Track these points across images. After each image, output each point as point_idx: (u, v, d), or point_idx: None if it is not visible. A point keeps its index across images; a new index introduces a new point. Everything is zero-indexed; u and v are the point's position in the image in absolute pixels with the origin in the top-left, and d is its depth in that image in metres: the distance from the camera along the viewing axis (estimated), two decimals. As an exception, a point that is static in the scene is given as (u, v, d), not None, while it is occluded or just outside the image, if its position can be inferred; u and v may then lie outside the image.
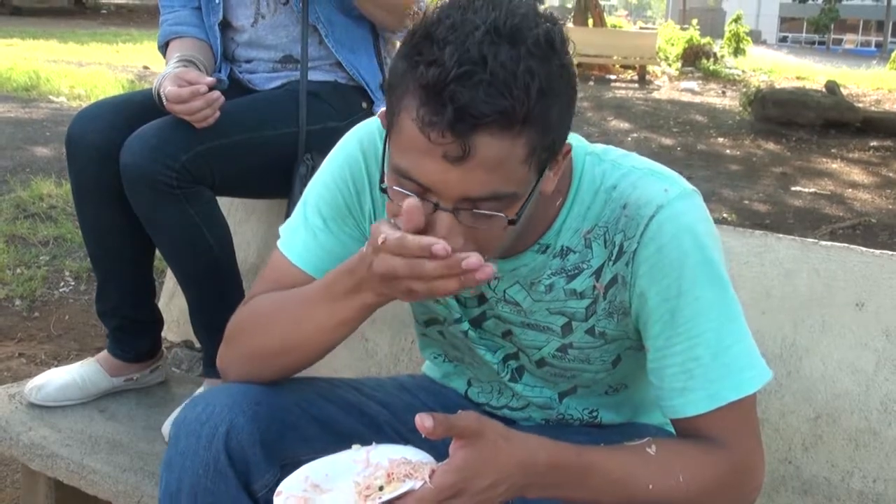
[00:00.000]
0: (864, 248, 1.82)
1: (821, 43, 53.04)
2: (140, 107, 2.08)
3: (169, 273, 2.67)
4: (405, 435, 1.44)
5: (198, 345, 2.41)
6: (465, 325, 1.44)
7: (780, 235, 1.89)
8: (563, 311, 1.35)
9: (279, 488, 1.17)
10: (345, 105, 2.20)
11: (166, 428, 2.01)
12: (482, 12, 1.07)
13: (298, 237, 1.42)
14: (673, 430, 1.36)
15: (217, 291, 2.10)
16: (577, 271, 1.33)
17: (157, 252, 2.15)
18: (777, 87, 14.99)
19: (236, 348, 1.40)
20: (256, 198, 2.43)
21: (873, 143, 11.20)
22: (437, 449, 1.45)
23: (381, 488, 1.13)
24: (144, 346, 2.24)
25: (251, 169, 2.11)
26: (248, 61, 2.27)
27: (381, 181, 1.18)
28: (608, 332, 1.36)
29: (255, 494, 1.28)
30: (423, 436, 1.08)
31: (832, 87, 12.97)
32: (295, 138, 2.12)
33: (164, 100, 1.96)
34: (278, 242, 1.44)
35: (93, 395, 2.18)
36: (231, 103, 2.07)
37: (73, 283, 4.28)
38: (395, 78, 1.12)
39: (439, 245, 1.06)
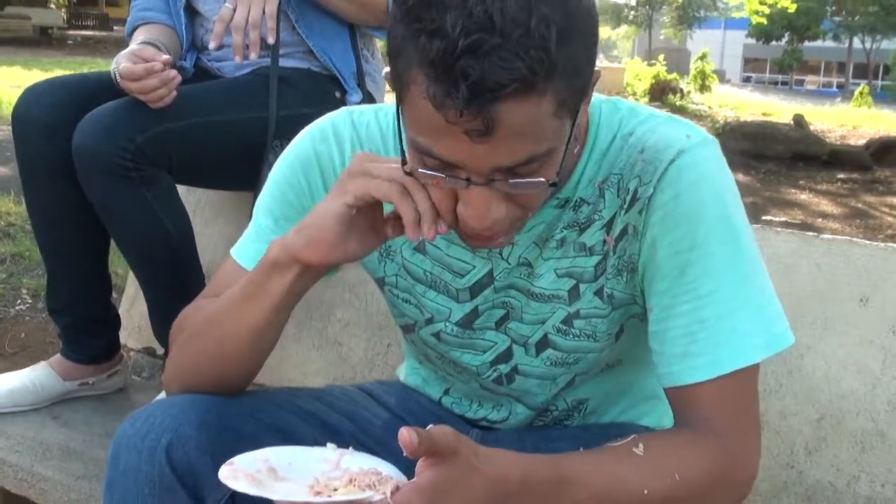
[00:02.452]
0: (867, 241, 1.73)
1: (784, 83, 53.70)
2: (94, 87, 1.96)
3: (130, 278, 2.54)
4: (368, 445, 1.32)
5: (160, 351, 2.28)
6: (447, 327, 1.32)
7: (779, 229, 1.80)
8: (570, 273, 1.23)
9: (232, 459, 1.03)
10: (316, 92, 2.09)
11: None
12: None
13: (249, 241, 1.31)
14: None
15: (175, 283, 1.97)
16: (588, 223, 1.21)
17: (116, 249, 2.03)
18: (745, 120, 15.11)
19: (176, 358, 1.29)
20: (220, 188, 2.30)
21: (840, 176, 11.28)
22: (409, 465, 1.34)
23: (335, 490, 1.01)
24: (99, 347, 2.10)
25: (213, 154, 1.98)
26: (218, 48, 2.15)
27: (403, 162, 1.05)
28: (616, 294, 1.24)
29: None
30: (406, 454, 0.94)
31: (799, 121, 13.08)
32: (262, 124, 2.00)
33: (118, 77, 1.85)
34: (231, 250, 1.33)
35: (45, 401, 2.04)
36: (195, 86, 1.97)
37: (30, 301, 4.17)
38: (396, 44, 1.00)
39: None
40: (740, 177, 11.16)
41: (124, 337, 2.30)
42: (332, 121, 1.30)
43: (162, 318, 2.02)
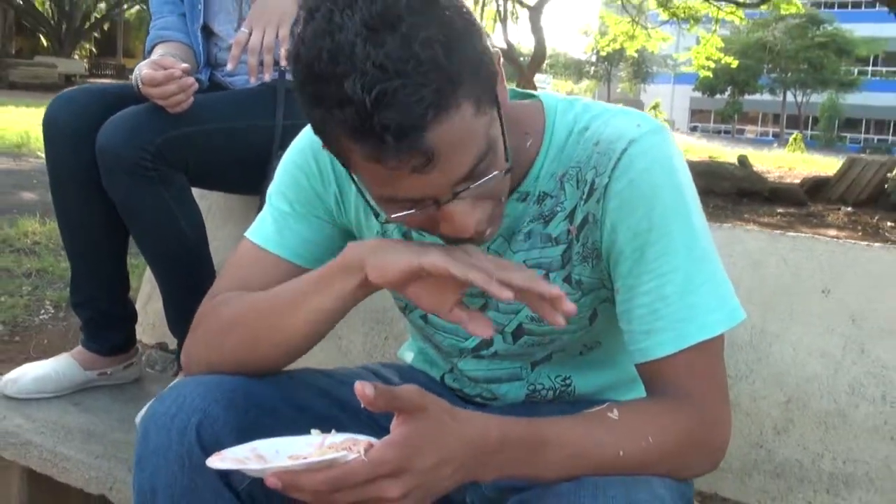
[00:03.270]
0: (828, 238, 1.69)
1: (727, 132, 54.07)
2: (117, 96, 1.90)
3: (146, 277, 2.47)
4: (379, 420, 1.26)
5: (172, 346, 2.20)
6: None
7: (749, 228, 1.76)
8: (539, 263, 1.18)
9: (221, 451, 0.95)
10: None
11: (139, 419, 1.80)
12: (349, 23, 0.88)
13: (267, 224, 1.25)
14: None
15: (190, 279, 1.90)
16: (552, 215, 1.16)
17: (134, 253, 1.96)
18: (695, 160, 15.19)
19: (206, 341, 1.21)
20: (231, 191, 2.24)
21: (780, 210, 11.32)
22: None
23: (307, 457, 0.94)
24: (117, 339, 2.02)
25: (225, 159, 1.92)
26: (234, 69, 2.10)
27: (377, 216, 1.04)
28: (584, 279, 1.18)
29: (236, 488, 1.08)
30: (363, 405, 0.88)
31: (743, 161, 13.13)
32: (270, 132, 1.94)
33: (139, 83, 1.79)
34: (246, 233, 1.27)
35: (67, 389, 1.96)
36: (209, 95, 1.92)
37: (52, 311, 4.10)
38: (316, 125, 0.96)
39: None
40: (691, 210, 11.20)
41: (139, 333, 2.21)
42: None
43: (176, 313, 1.95)
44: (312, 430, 1.03)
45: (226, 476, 1.06)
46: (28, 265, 4.62)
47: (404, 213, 0.98)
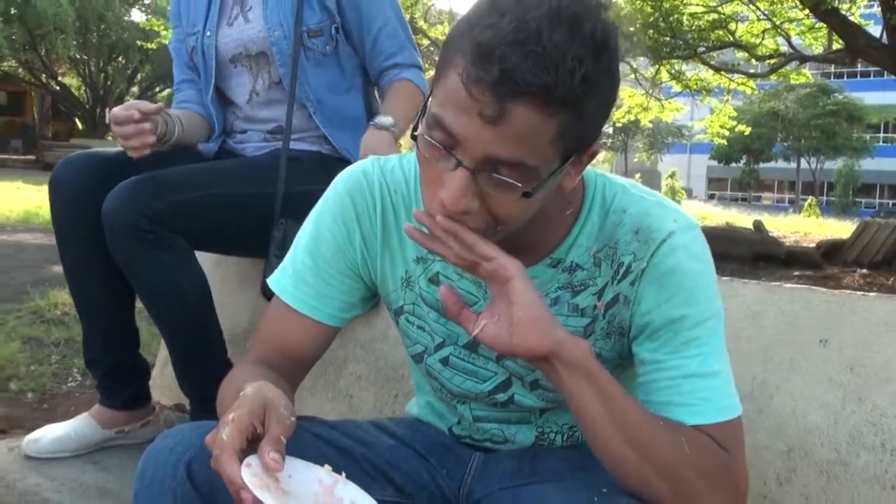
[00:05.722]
0: (824, 289, 1.69)
1: (743, 199, 54.10)
2: (117, 159, 1.97)
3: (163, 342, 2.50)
4: (378, 465, 1.28)
5: (189, 407, 2.21)
6: (455, 350, 1.28)
7: (746, 280, 1.76)
8: None
9: (248, 460, 0.96)
10: (325, 173, 2.07)
11: None
12: (535, 8, 0.96)
13: (287, 277, 1.30)
14: None
15: (194, 340, 1.94)
16: (582, 287, 1.20)
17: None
18: (712, 226, 15.19)
19: (219, 408, 1.25)
20: (235, 254, 2.29)
21: (796, 273, 11.24)
22: (408, 493, 1.27)
23: None
24: (131, 392, 2.06)
25: (226, 224, 1.97)
26: (243, 132, 2.17)
27: (414, 130, 1.06)
28: (603, 353, 1.22)
29: None
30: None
31: (759, 226, 13.12)
32: (272, 199, 1.98)
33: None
34: (267, 279, 1.32)
35: (86, 448, 1.98)
36: (214, 162, 1.98)
37: (79, 379, 4.13)
38: (452, 36, 1.01)
39: None
40: (708, 275, 11.14)
41: (157, 394, 2.24)
42: (363, 168, 1.30)
43: (183, 372, 1.98)
44: (325, 465, 1.05)
45: None
46: (57, 335, 4.68)
47: (434, 142, 1.01)
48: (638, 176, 24.73)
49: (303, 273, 1.29)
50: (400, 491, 1.28)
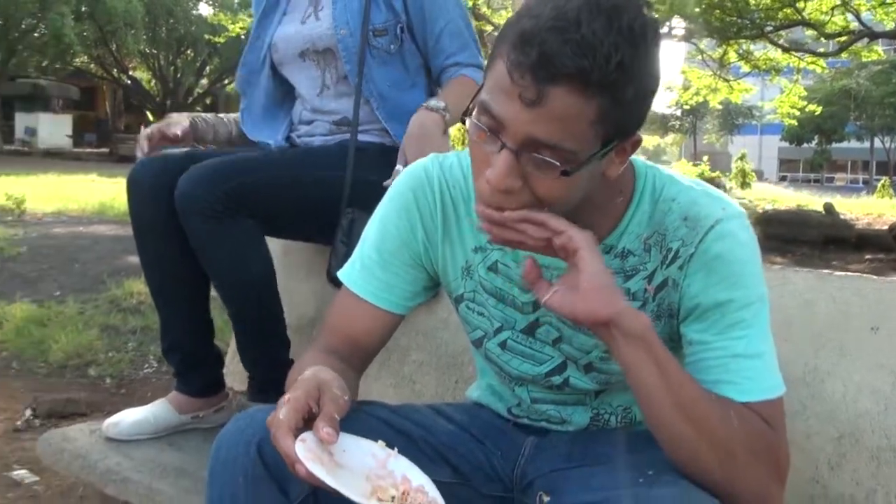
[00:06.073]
0: (875, 276, 1.70)
1: (815, 180, 52.84)
2: (190, 157, 2.07)
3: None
4: (435, 446, 1.35)
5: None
6: (513, 335, 1.35)
7: (798, 269, 1.78)
8: None
9: (303, 435, 1.04)
10: (387, 162, 2.16)
11: None
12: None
13: (356, 270, 1.39)
14: None
15: (257, 321, 2.04)
16: (633, 272, 1.26)
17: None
18: (781, 209, 14.91)
19: None
20: (298, 239, 2.38)
21: (868, 257, 11.00)
22: (464, 473, 1.34)
23: (392, 497, 1.04)
24: (205, 380, 2.16)
25: (292, 207, 2.07)
26: (310, 122, 2.26)
27: (467, 115, 1.13)
28: None
29: (293, 502, 1.16)
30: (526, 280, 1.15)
31: (829, 208, 12.85)
32: (338, 185, 2.08)
33: None
34: (338, 273, 1.40)
35: (163, 431, 2.09)
36: (284, 149, 2.11)
37: (155, 366, 4.31)
38: (503, 29, 1.09)
39: None
40: (778, 259, 10.95)
41: (230, 381, 2.34)
42: (424, 165, 1.38)
43: (244, 352, 2.10)
44: (379, 441, 1.13)
45: (284, 488, 1.15)
46: (133, 323, 4.86)
47: (482, 127, 1.09)
48: (706, 158, 24.37)
49: (370, 266, 1.38)
50: (456, 471, 1.35)
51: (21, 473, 2.94)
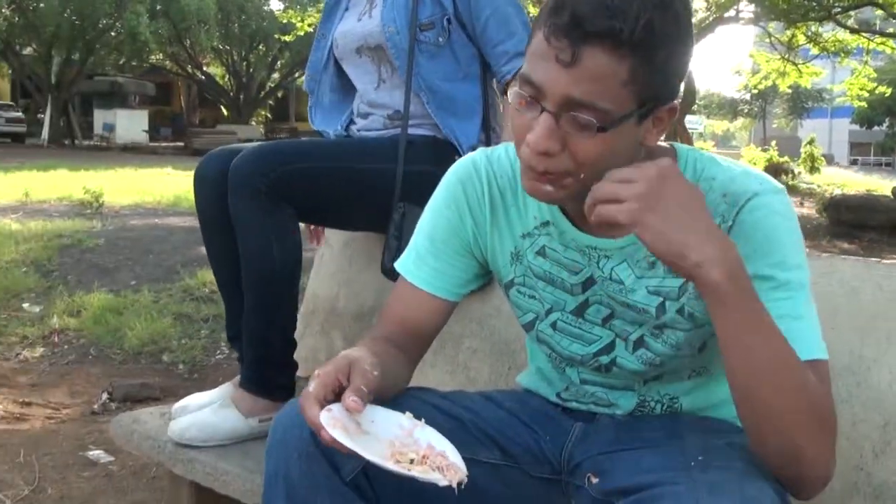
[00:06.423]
0: (924, 265, 1.69)
1: (887, 164, 51.32)
2: None
3: (300, 313, 2.67)
4: (484, 429, 1.39)
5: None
6: (563, 316, 1.39)
7: (845, 257, 1.77)
8: (658, 291, 1.29)
9: (330, 406, 1.10)
10: (437, 154, 2.20)
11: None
12: None
13: (410, 260, 1.44)
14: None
15: (263, 304, 2.06)
16: None
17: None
18: (848, 194, 14.55)
19: None
20: (348, 228, 2.44)
21: (938, 243, 10.71)
22: (513, 455, 1.38)
23: (411, 461, 1.07)
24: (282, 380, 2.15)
25: (340, 196, 2.12)
26: (366, 116, 2.32)
27: (505, 92, 1.22)
28: (696, 314, 1.28)
29: (345, 479, 1.22)
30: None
31: (899, 193, 12.52)
32: (387, 177, 2.13)
33: None
34: (398, 268, 1.46)
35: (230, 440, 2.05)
36: (336, 139, 2.19)
37: (227, 352, 4.42)
38: (543, 5, 1.14)
39: None
40: (845, 245, 10.72)
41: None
42: (472, 158, 1.44)
43: (245, 328, 2.10)
44: (406, 413, 1.18)
45: (336, 465, 1.20)
46: (205, 311, 4.98)
47: (524, 97, 1.14)
48: (774, 143, 23.85)
49: (424, 255, 1.43)
50: (505, 453, 1.38)
51: (97, 454, 3.09)
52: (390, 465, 1.05)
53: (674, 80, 1.13)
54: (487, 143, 2.30)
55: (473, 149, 2.23)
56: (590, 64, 1.07)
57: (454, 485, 1.05)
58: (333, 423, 1.06)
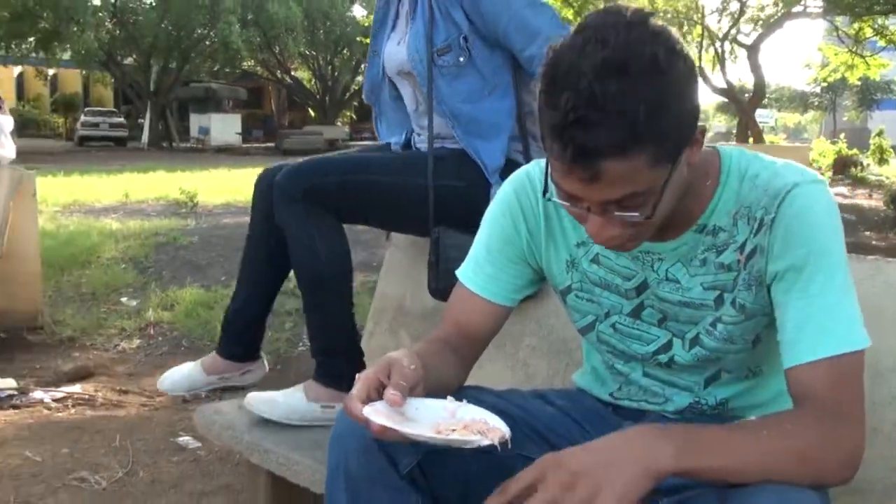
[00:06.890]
0: (973, 267, 1.63)
1: (963, 154, 49.13)
2: None
3: (370, 313, 2.70)
4: (536, 428, 1.40)
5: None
6: (620, 318, 1.40)
7: (891, 259, 1.72)
8: (714, 285, 1.30)
9: (374, 402, 1.13)
10: (463, 171, 2.22)
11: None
12: (592, 55, 1.05)
13: (470, 268, 1.47)
14: None
15: (318, 305, 2.13)
16: (724, 247, 1.28)
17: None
18: (919, 186, 14.02)
19: None
20: (389, 230, 2.54)
21: None
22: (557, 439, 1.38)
23: (453, 430, 1.10)
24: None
25: (373, 206, 2.17)
26: (419, 134, 2.37)
27: (545, 192, 1.22)
28: (747, 305, 1.29)
29: (401, 472, 1.24)
30: None
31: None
32: (414, 188, 2.16)
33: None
34: (459, 275, 1.48)
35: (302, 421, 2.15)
36: (373, 153, 2.23)
37: (308, 345, 4.44)
38: (539, 113, 1.13)
39: None
40: (911, 238, 10.35)
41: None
42: (527, 171, 1.46)
43: (309, 330, 2.22)
44: (448, 397, 1.20)
45: (393, 459, 1.23)
46: (289, 305, 5.04)
47: (564, 203, 1.17)
48: (843, 135, 23.04)
49: (480, 262, 1.46)
50: (554, 449, 1.38)
51: (186, 440, 3.20)
52: (431, 435, 1.08)
53: (689, 119, 1.12)
54: (525, 150, 2.26)
55: (500, 173, 2.22)
56: (611, 174, 1.07)
57: (496, 443, 1.07)
58: (377, 414, 1.10)
